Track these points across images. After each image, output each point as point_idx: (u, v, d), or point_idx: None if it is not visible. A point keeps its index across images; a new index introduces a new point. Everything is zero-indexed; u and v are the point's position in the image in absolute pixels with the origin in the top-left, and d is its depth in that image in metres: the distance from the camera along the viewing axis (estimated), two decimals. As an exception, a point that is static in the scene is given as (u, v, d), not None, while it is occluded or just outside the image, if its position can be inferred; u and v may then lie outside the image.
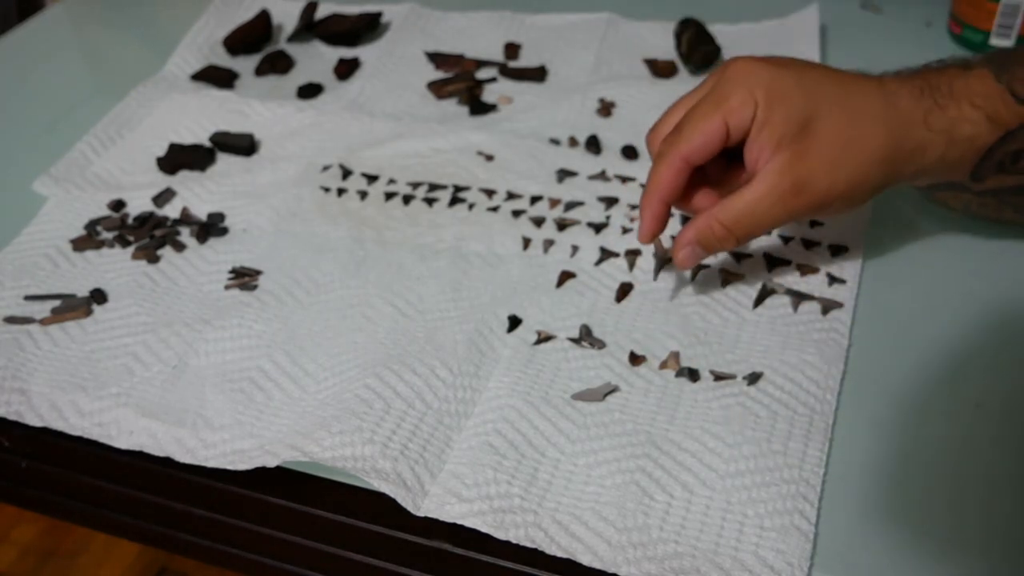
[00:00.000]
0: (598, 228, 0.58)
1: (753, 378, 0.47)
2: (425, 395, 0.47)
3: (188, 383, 0.50)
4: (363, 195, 0.63)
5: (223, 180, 0.65)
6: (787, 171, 0.46)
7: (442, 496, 0.42)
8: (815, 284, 0.53)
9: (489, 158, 0.65)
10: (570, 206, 0.60)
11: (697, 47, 0.72)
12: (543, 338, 0.51)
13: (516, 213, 0.60)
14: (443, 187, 0.63)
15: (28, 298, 0.56)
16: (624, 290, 0.53)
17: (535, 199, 0.61)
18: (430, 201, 0.62)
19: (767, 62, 0.47)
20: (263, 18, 0.81)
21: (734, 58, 0.48)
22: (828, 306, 0.51)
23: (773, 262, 0.54)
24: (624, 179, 0.62)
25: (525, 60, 0.77)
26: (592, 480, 0.43)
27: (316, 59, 0.79)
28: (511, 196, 0.61)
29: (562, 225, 0.58)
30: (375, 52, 0.79)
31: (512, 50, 0.77)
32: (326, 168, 0.65)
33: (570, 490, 0.43)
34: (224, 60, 0.80)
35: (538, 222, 0.59)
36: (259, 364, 0.50)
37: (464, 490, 0.42)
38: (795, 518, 0.40)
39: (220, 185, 0.64)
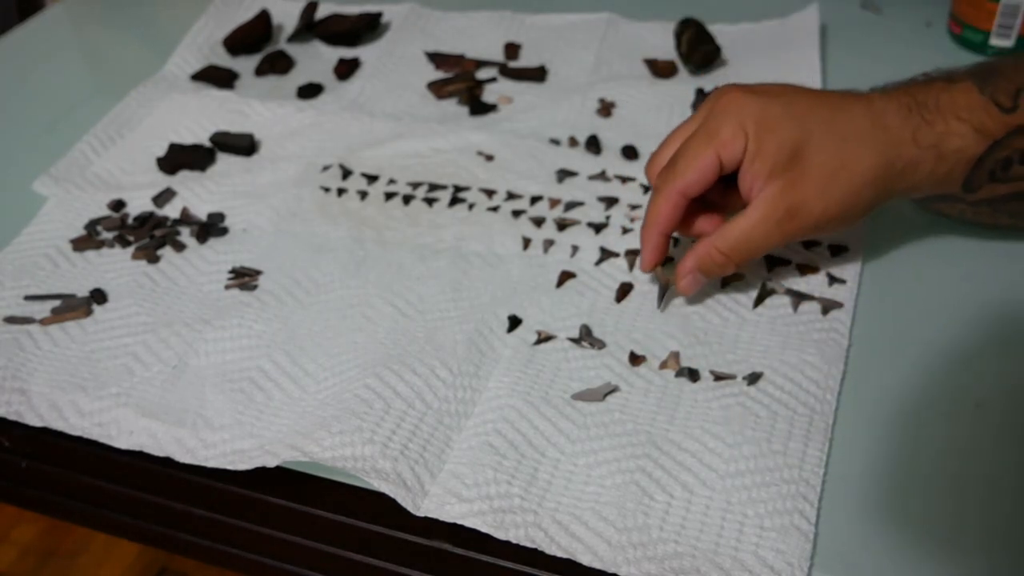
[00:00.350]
0: (598, 228, 0.58)
1: (753, 378, 0.47)
2: (425, 395, 0.47)
3: (188, 383, 0.50)
4: (363, 195, 0.63)
5: (223, 180, 0.65)
6: (780, 198, 0.47)
7: (442, 496, 0.42)
8: (815, 284, 0.53)
9: (489, 158, 0.65)
10: (570, 206, 0.60)
11: (697, 47, 0.72)
12: (543, 338, 0.51)
13: (516, 213, 0.60)
14: (443, 187, 0.63)
15: (28, 298, 0.56)
16: (624, 290, 0.53)
17: (535, 199, 0.61)
18: (430, 201, 0.62)
19: (756, 92, 0.48)
20: (263, 18, 0.81)
21: (724, 88, 0.50)
22: (828, 306, 0.51)
23: (773, 262, 0.54)
24: (624, 179, 0.62)
25: (525, 60, 0.77)
26: (592, 480, 0.43)
27: (316, 59, 0.79)
28: (511, 196, 0.61)
29: (562, 225, 0.58)
30: (375, 52, 0.79)
31: (512, 50, 0.77)
32: (326, 168, 0.65)
33: (570, 490, 0.43)
34: (224, 60, 0.80)
35: (538, 222, 0.59)
36: (259, 364, 0.50)
37: (464, 490, 0.42)
38: (795, 518, 0.40)
39: (220, 185, 0.64)
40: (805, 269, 0.53)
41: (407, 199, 0.62)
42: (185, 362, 0.51)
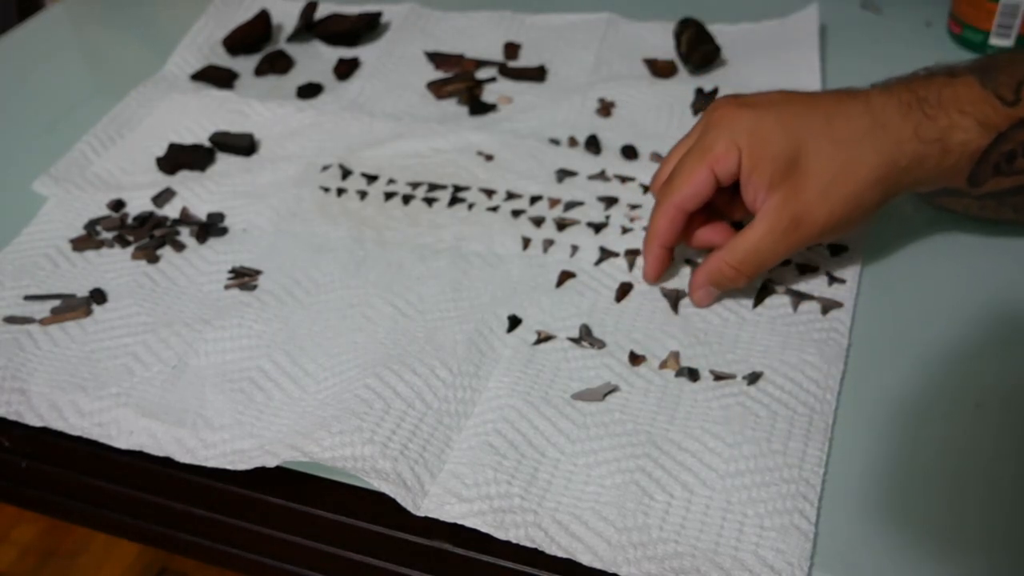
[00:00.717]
0: (598, 228, 0.58)
1: (753, 378, 0.47)
2: (425, 395, 0.47)
3: (188, 383, 0.50)
4: (363, 195, 0.63)
5: (223, 180, 0.65)
6: (783, 208, 0.48)
7: (442, 496, 0.42)
8: (815, 284, 0.53)
9: (489, 158, 0.65)
10: (570, 206, 0.60)
11: (697, 47, 0.72)
12: (543, 338, 0.51)
13: (516, 213, 0.60)
14: (443, 187, 0.63)
15: (28, 298, 0.56)
16: (624, 290, 0.53)
17: (535, 199, 0.61)
18: (430, 201, 0.62)
19: (748, 105, 0.49)
20: (263, 18, 0.81)
21: (717, 102, 0.50)
22: (828, 306, 0.51)
23: (773, 262, 0.54)
24: (624, 179, 0.62)
25: (525, 60, 0.77)
26: (592, 480, 0.43)
27: (316, 59, 0.79)
28: (511, 196, 0.61)
29: (562, 225, 0.58)
30: (375, 52, 0.79)
31: (512, 50, 0.77)
32: (326, 168, 0.65)
33: (570, 490, 0.43)
34: (224, 60, 0.80)
35: (538, 222, 0.59)
36: (259, 364, 0.50)
37: (464, 490, 0.42)
38: (795, 518, 0.40)
39: (220, 185, 0.64)
40: (805, 269, 0.53)
41: (407, 199, 0.62)
42: (185, 362, 0.51)
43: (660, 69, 0.73)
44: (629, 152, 0.64)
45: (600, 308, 0.53)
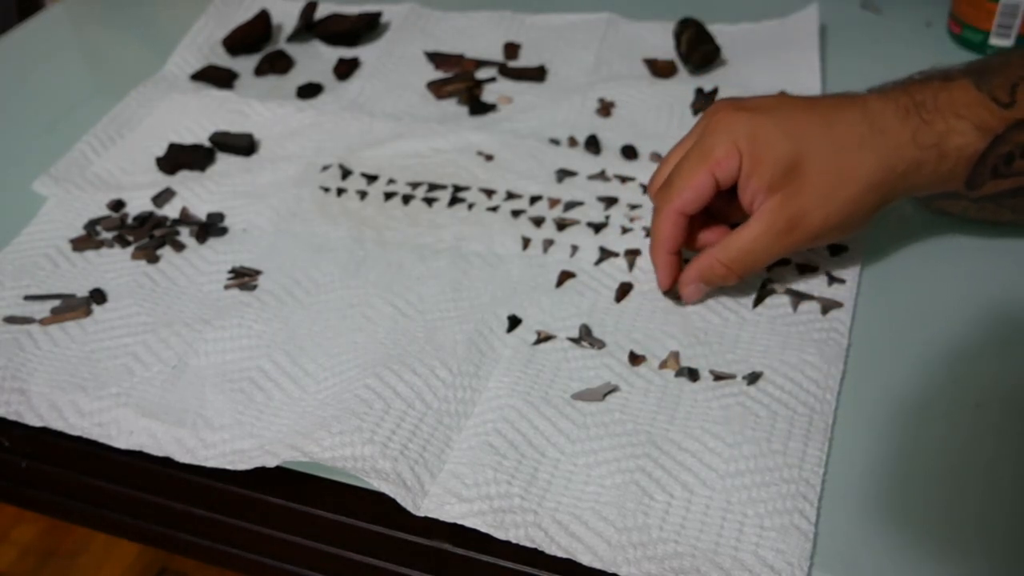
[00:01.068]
0: (598, 228, 0.58)
1: (753, 378, 0.47)
2: (425, 395, 0.47)
3: (188, 383, 0.50)
4: (363, 195, 0.63)
5: (223, 180, 0.65)
6: (781, 210, 0.48)
7: (442, 496, 0.42)
8: (815, 284, 0.53)
9: (489, 158, 0.65)
10: (570, 206, 0.60)
11: (697, 47, 0.72)
12: (543, 338, 0.51)
13: (516, 213, 0.60)
14: (443, 187, 0.63)
15: (28, 298, 0.56)
16: (624, 290, 0.54)
17: (535, 199, 0.61)
18: (430, 201, 0.62)
19: (748, 108, 0.49)
20: (263, 18, 0.81)
21: (716, 105, 0.50)
22: (828, 306, 0.51)
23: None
24: (624, 179, 0.62)
25: (525, 60, 0.77)
26: (592, 480, 0.43)
27: (316, 59, 0.79)
28: (511, 196, 0.61)
29: (562, 225, 0.58)
30: (375, 52, 0.79)
31: (512, 50, 0.77)
32: (326, 168, 0.65)
33: (570, 490, 0.43)
34: (224, 60, 0.80)
35: (538, 222, 0.59)
36: (259, 364, 0.50)
37: (464, 490, 0.42)
38: (795, 518, 0.40)
39: (220, 185, 0.64)
40: (805, 269, 0.53)
41: (407, 199, 0.62)
42: (185, 362, 0.51)
43: (660, 69, 0.73)
44: (629, 152, 0.64)
45: (600, 308, 0.53)
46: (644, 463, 0.43)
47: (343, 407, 0.47)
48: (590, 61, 0.75)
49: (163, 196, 0.63)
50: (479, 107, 0.70)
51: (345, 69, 0.76)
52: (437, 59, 0.77)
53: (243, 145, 0.67)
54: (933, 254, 0.54)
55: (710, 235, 0.52)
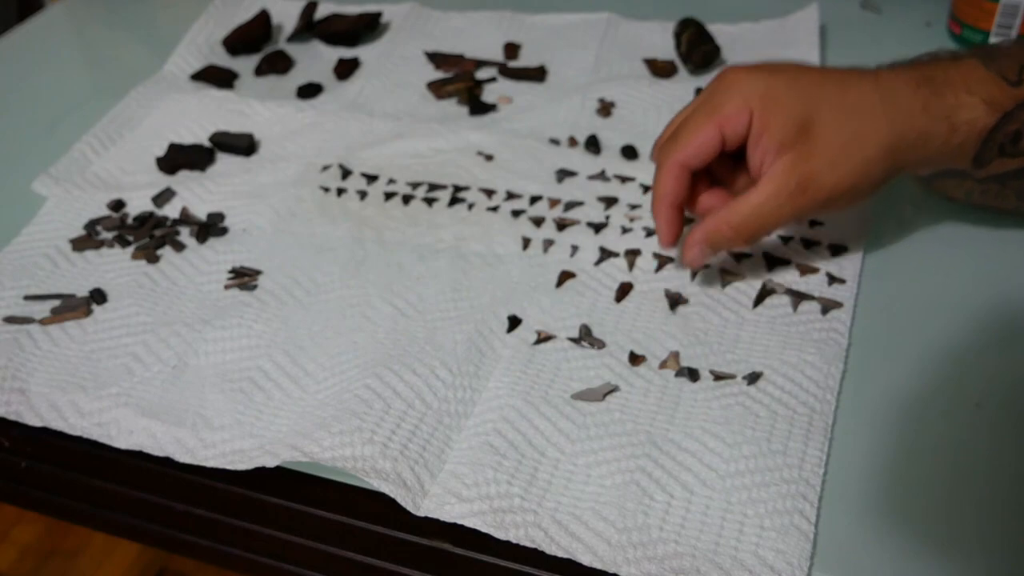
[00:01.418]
0: (598, 228, 0.58)
1: (753, 378, 0.47)
2: (425, 395, 0.47)
3: (188, 383, 0.50)
4: (363, 195, 0.63)
5: (223, 180, 0.65)
6: (792, 171, 0.47)
7: (442, 496, 0.42)
8: (815, 284, 0.53)
9: (489, 158, 0.65)
10: (570, 206, 0.60)
11: (697, 47, 0.72)
12: (543, 338, 0.51)
13: (516, 213, 0.60)
14: (443, 187, 0.63)
15: (28, 298, 0.56)
16: (624, 290, 0.53)
17: (535, 199, 0.61)
18: (430, 201, 0.62)
19: (761, 69, 0.48)
20: (263, 18, 0.81)
21: (728, 67, 0.50)
22: (828, 306, 0.51)
23: (773, 262, 0.54)
24: (624, 179, 0.62)
25: (525, 60, 0.77)
26: (592, 480, 0.43)
27: (316, 59, 0.79)
28: (511, 196, 0.61)
29: (562, 225, 0.58)
30: (375, 52, 0.79)
31: (512, 50, 0.77)
32: (326, 168, 0.65)
33: (570, 490, 0.43)
34: (224, 60, 0.80)
35: (538, 222, 0.59)
36: (259, 364, 0.50)
37: (464, 490, 0.42)
38: (795, 518, 0.40)
39: (220, 185, 0.64)
40: (805, 269, 0.53)
41: (407, 199, 0.62)
42: (185, 362, 0.51)
43: (660, 69, 0.73)
44: (629, 152, 0.64)
45: (600, 308, 0.53)
46: (644, 463, 0.43)
47: (343, 407, 0.47)
48: (590, 61, 0.75)
49: (163, 196, 0.63)
50: (479, 107, 0.70)
51: (345, 69, 0.76)
52: (437, 59, 0.77)
53: (243, 145, 0.67)
54: (933, 255, 0.54)
55: (712, 198, 0.52)
